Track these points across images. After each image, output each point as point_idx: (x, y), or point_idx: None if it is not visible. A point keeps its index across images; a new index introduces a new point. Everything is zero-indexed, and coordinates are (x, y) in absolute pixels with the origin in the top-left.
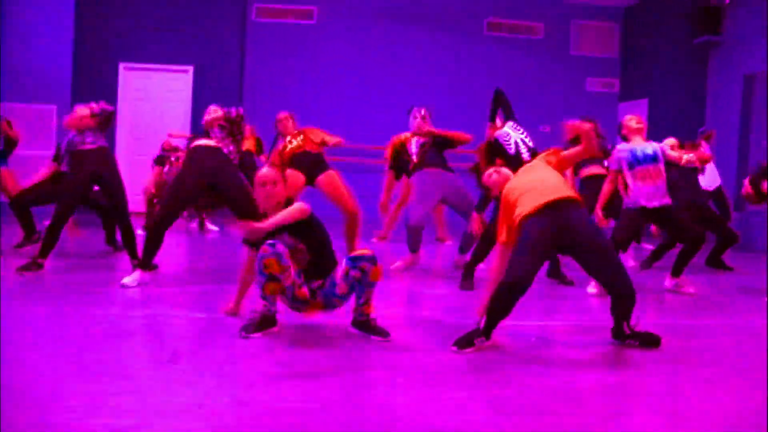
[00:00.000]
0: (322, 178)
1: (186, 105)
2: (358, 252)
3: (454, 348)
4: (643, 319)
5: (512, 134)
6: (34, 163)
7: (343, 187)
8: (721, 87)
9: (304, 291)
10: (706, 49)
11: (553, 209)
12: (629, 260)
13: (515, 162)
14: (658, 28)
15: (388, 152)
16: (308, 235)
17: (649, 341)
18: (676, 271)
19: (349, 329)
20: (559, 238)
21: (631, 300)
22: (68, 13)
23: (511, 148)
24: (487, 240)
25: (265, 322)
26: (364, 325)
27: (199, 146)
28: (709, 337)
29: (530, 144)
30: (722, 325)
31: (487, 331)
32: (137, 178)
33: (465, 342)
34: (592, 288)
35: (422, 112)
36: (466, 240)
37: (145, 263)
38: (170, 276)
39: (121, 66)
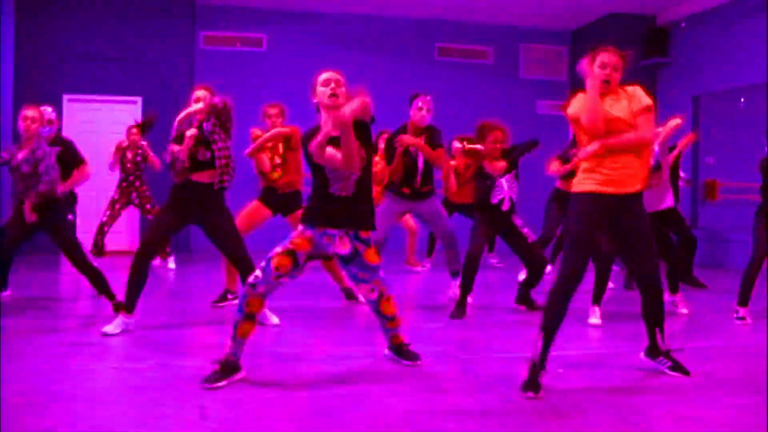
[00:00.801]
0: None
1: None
2: (388, 311)
3: (530, 393)
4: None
5: (504, 188)
6: None
7: None
8: (669, 107)
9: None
10: (653, 70)
11: (616, 199)
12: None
13: (490, 208)
14: None
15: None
16: (366, 143)
17: (680, 368)
18: (674, 287)
19: (385, 352)
20: (608, 226)
21: (661, 300)
22: (8, 42)
23: (495, 198)
24: (473, 266)
25: (228, 370)
26: (397, 349)
27: (188, 183)
28: (723, 359)
29: (514, 200)
30: (727, 347)
31: (543, 358)
32: (86, 211)
33: (532, 385)
34: (594, 318)
35: (429, 102)
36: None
37: (130, 305)
38: (147, 317)
39: (65, 98)
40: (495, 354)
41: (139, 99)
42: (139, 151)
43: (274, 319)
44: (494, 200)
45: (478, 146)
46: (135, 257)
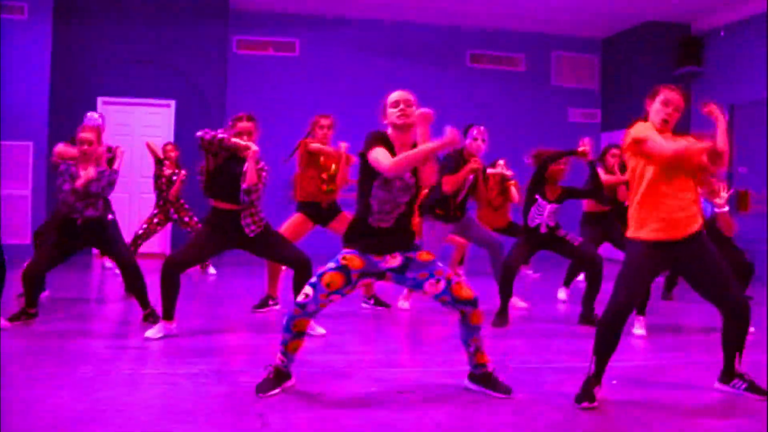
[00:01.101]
0: (336, 223)
1: (168, 139)
2: (463, 293)
3: (585, 404)
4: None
5: (545, 213)
6: (13, 201)
7: None
8: (704, 117)
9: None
10: (687, 79)
11: (682, 244)
12: None
13: (525, 230)
14: (637, 59)
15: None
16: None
17: (757, 389)
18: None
19: (467, 385)
20: (674, 268)
21: (747, 326)
22: (46, 46)
23: (532, 222)
24: (509, 274)
25: (280, 377)
26: (483, 379)
27: (220, 209)
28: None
29: (551, 225)
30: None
31: (598, 376)
32: (119, 216)
33: (586, 395)
34: (639, 329)
35: (483, 132)
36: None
37: (167, 313)
38: (187, 322)
39: (100, 100)
40: (545, 365)
41: (172, 102)
42: (176, 171)
43: (320, 330)
44: (532, 224)
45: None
46: (164, 268)
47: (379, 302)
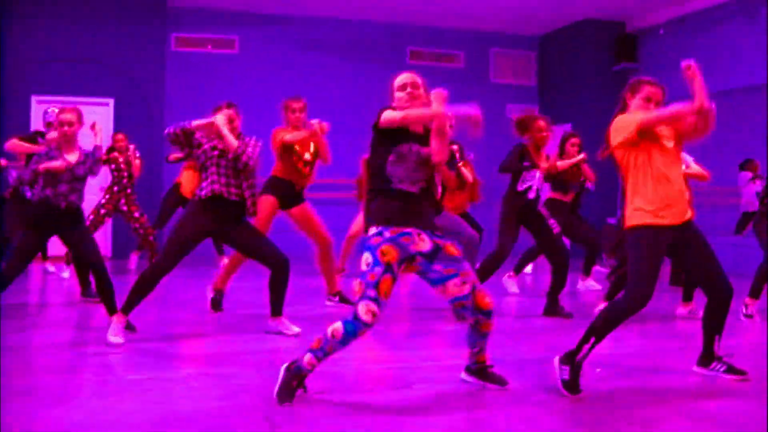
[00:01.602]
0: (298, 210)
1: (107, 137)
2: (484, 303)
3: (577, 395)
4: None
5: (536, 177)
6: None
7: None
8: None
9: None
10: (623, 75)
11: (679, 230)
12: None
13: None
14: (574, 56)
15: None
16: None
17: (735, 371)
18: (688, 297)
19: (464, 378)
20: (673, 248)
21: (728, 308)
22: None
23: (521, 186)
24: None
25: (299, 384)
26: (480, 373)
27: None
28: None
29: (540, 193)
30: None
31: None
32: None
33: (574, 385)
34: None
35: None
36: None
37: (128, 308)
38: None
39: (34, 99)
40: (519, 357)
41: (110, 101)
42: (126, 156)
43: (295, 329)
44: (520, 187)
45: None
46: (150, 273)
47: (344, 299)
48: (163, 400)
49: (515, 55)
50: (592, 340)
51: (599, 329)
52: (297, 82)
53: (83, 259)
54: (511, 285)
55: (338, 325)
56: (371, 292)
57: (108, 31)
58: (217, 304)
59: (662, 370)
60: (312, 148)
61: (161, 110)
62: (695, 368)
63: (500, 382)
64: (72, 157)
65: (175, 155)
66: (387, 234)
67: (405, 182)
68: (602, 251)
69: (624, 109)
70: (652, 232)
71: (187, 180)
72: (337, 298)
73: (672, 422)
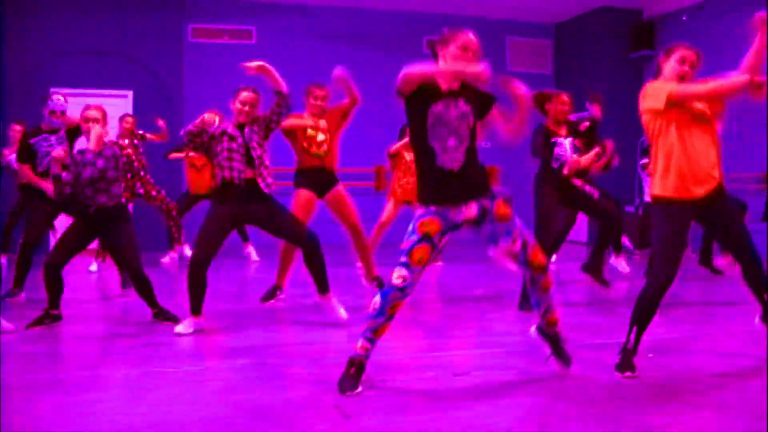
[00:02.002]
0: (330, 195)
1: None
2: (537, 259)
3: (627, 373)
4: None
5: (567, 149)
6: None
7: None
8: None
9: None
10: (640, 63)
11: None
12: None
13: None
14: (590, 44)
15: None
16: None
17: None
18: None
19: (533, 334)
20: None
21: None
22: None
23: (557, 162)
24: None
25: (360, 371)
26: (551, 339)
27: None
28: None
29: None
30: None
31: (636, 347)
32: None
33: (628, 365)
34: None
35: None
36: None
37: (196, 308)
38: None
39: (53, 92)
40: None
41: (129, 93)
42: (136, 140)
43: (342, 312)
44: (555, 164)
45: None
46: (190, 268)
47: (381, 286)
48: (228, 392)
49: (531, 43)
50: (635, 329)
51: (638, 318)
52: (313, 73)
53: (117, 261)
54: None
55: (376, 298)
56: (403, 258)
57: (125, 23)
58: (269, 296)
59: (714, 353)
60: (323, 124)
61: (180, 101)
62: (756, 320)
63: (565, 360)
64: (89, 155)
65: (175, 153)
66: (433, 209)
67: (449, 152)
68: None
69: (658, 73)
70: (677, 206)
71: (191, 179)
72: (375, 284)
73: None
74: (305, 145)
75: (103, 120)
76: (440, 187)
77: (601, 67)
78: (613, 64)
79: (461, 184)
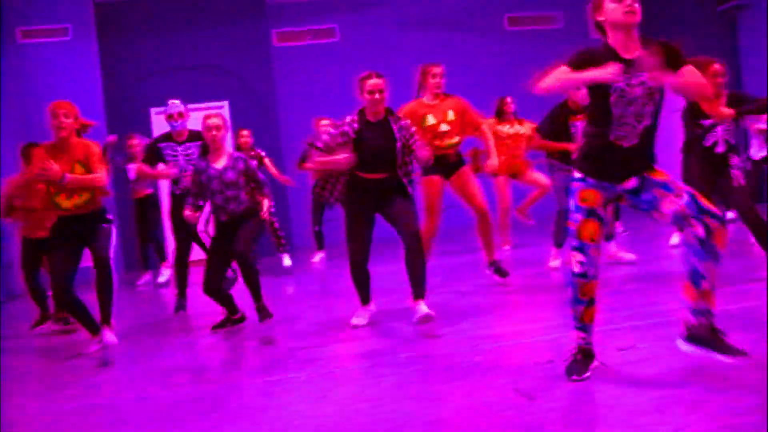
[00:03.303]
0: (455, 177)
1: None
2: (710, 205)
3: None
4: None
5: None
6: None
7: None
8: (756, 54)
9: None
10: (732, 14)
11: None
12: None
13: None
14: (677, 2)
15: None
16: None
17: None
18: None
19: (682, 348)
20: None
21: None
22: (94, 65)
23: (708, 141)
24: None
25: (587, 357)
26: (706, 338)
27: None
28: None
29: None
30: None
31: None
32: None
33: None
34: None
35: None
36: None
37: (364, 299)
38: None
39: (152, 111)
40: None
41: (225, 103)
42: (252, 153)
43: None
44: (708, 142)
45: None
46: (351, 268)
47: (499, 270)
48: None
49: None
50: None
51: None
52: (398, 62)
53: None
54: (675, 237)
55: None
56: (573, 242)
57: (213, 35)
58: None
59: None
60: (450, 115)
61: (275, 106)
62: None
63: (735, 352)
64: (220, 163)
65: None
66: (590, 180)
67: (626, 128)
68: None
69: None
70: None
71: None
72: (492, 269)
73: None
74: (429, 137)
75: (225, 126)
76: (607, 162)
77: (687, 24)
78: (700, 19)
79: (630, 162)
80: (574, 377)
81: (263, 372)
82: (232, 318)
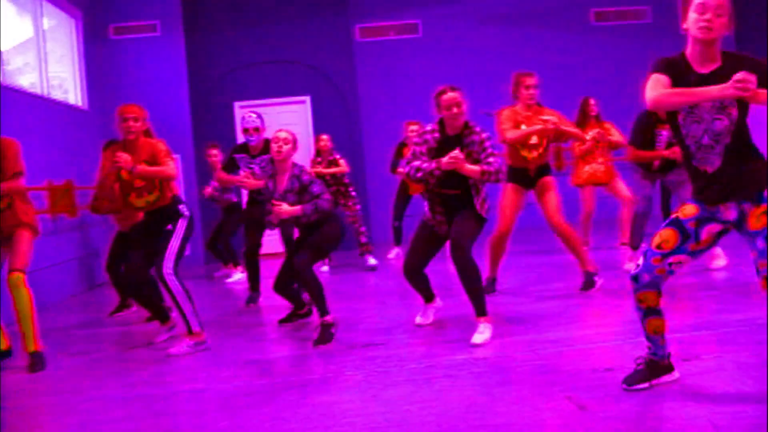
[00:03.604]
0: (536, 189)
1: (308, 134)
2: None
3: None
4: None
5: None
6: None
7: None
8: None
9: None
10: None
11: None
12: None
13: None
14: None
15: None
16: None
17: None
18: None
19: None
20: None
21: None
22: (181, 60)
23: None
24: None
25: (654, 369)
26: None
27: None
28: None
29: None
30: None
31: None
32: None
33: None
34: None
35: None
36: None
37: (427, 298)
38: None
39: (236, 105)
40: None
41: (307, 98)
42: (330, 158)
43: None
44: None
45: None
46: (405, 274)
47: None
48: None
49: None
50: None
51: None
52: (482, 59)
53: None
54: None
55: None
56: (644, 244)
57: (296, 30)
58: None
59: None
60: (545, 127)
61: (356, 101)
62: None
63: None
64: (282, 184)
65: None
66: (696, 197)
67: (704, 151)
68: None
69: None
70: None
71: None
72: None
73: None
74: (517, 147)
75: (294, 145)
76: (697, 185)
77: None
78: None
79: (718, 186)
80: (624, 386)
81: (320, 368)
82: (299, 312)
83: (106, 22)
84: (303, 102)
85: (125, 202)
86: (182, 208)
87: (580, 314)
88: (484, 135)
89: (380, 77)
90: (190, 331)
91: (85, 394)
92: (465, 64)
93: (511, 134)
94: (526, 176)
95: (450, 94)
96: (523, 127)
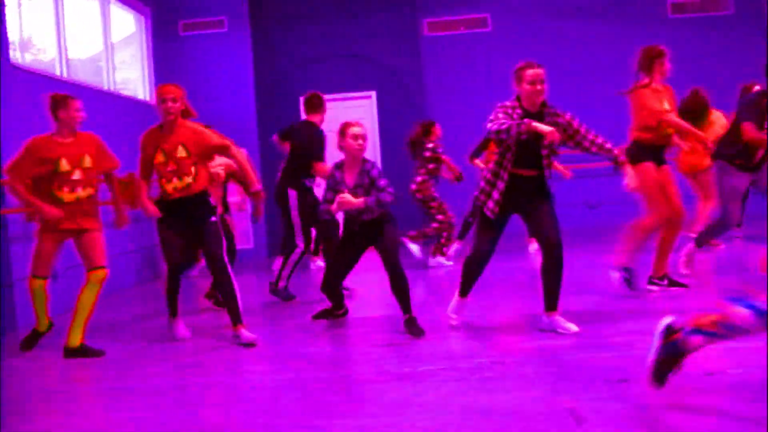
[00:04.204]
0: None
1: (373, 130)
2: None
3: None
4: None
5: None
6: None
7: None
8: None
9: None
10: None
11: None
12: None
13: None
14: None
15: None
16: None
17: None
18: None
19: None
20: None
21: None
22: (247, 55)
23: None
24: None
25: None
26: None
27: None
28: None
29: None
30: None
31: None
32: None
33: None
34: None
35: None
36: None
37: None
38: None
39: (302, 100)
40: None
41: (372, 93)
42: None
43: (572, 327)
44: None
45: None
46: (474, 256)
47: (673, 283)
48: (460, 394)
49: None
50: None
51: None
52: (552, 53)
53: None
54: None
55: (745, 312)
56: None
57: (363, 25)
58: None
59: None
60: (665, 106)
61: (422, 96)
62: None
63: None
64: (352, 177)
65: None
66: None
67: None
68: None
69: None
70: None
71: None
72: (665, 282)
73: None
74: (663, 125)
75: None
76: None
77: None
78: None
79: None
80: (656, 386)
81: (357, 365)
82: (335, 312)
83: (176, 19)
84: (369, 97)
85: (160, 187)
86: (211, 200)
87: (624, 316)
88: (567, 116)
89: (448, 72)
90: (235, 322)
91: (130, 382)
92: (536, 58)
93: (675, 119)
94: (660, 154)
95: (537, 69)
96: (666, 105)
